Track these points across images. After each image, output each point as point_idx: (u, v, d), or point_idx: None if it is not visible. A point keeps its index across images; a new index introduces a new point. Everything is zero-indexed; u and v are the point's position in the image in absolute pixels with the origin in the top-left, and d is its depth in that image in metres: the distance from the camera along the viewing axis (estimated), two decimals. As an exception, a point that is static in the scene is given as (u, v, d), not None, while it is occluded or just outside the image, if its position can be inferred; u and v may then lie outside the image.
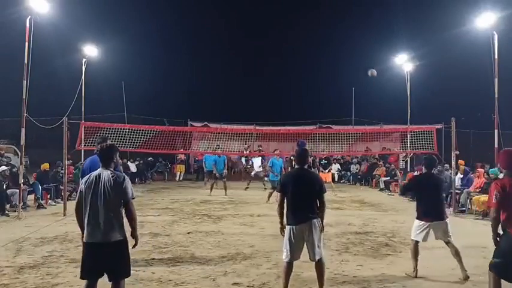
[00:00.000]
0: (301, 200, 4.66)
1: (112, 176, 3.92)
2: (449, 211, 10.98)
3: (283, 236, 4.73)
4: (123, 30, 27.73)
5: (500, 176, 10.13)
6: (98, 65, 18.42)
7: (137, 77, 28.31)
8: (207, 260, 6.13)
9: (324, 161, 16.81)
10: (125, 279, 3.99)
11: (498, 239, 4.02)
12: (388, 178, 16.91)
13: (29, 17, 10.34)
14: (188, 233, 8.10)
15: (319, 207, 4.72)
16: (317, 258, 4.61)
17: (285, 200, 4.74)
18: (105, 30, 24.52)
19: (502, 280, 4.04)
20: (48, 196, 12.18)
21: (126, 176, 4.06)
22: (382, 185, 17.05)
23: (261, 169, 17.95)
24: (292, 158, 8.30)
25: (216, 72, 32.15)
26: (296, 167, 4.93)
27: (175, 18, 33.68)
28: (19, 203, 10.03)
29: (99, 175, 3.93)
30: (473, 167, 13.03)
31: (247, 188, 16.52)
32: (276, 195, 12.06)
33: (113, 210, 3.86)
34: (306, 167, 4.84)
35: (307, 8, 34.71)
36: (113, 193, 3.86)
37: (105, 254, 3.82)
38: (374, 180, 18.34)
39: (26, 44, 10.31)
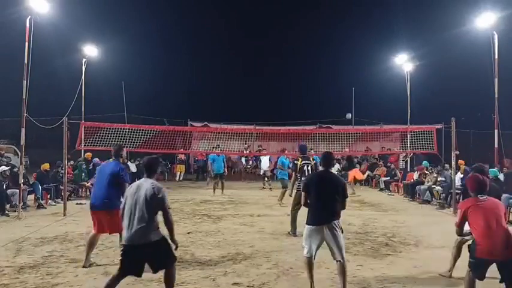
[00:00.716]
0: (323, 201, 4.69)
1: (152, 186, 4.22)
2: (449, 211, 11.00)
3: None
4: (123, 30, 27.77)
5: (500, 176, 10.17)
6: (98, 65, 18.43)
7: (137, 77, 28.32)
8: (207, 260, 6.11)
9: (344, 162, 16.71)
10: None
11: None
12: (388, 178, 16.93)
13: (29, 17, 10.33)
14: (188, 233, 8.08)
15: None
16: (340, 259, 4.62)
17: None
18: (105, 30, 24.57)
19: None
20: (48, 196, 12.16)
21: (164, 188, 4.31)
22: (382, 185, 17.06)
23: (268, 168, 17.99)
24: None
25: (216, 72, 32.18)
26: (321, 168, 5.08)
27: (175, 18, 33.75)
28: (19, 203, 10.02)
29: (140, 185, 4.26)
30: (474, 167, 13.01)
31: (264, 188, 16.74)
32: (281, 196, 12.06)
33: (149, 217, 4.15)
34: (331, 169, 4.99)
35: (307, 8, 34.78)
36: (150, 202, 4.15)
37: (146, 254, 4.13)
38: (374, 180, 18.35)
39: (26, 44, 10.30)
